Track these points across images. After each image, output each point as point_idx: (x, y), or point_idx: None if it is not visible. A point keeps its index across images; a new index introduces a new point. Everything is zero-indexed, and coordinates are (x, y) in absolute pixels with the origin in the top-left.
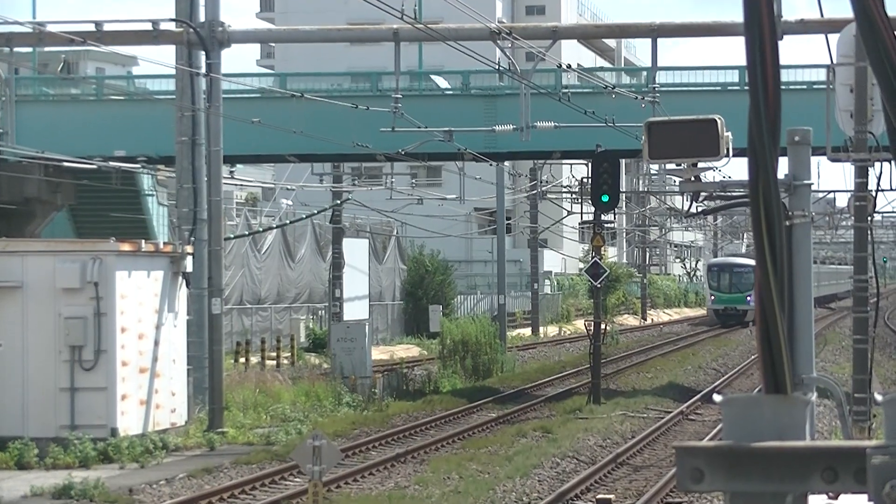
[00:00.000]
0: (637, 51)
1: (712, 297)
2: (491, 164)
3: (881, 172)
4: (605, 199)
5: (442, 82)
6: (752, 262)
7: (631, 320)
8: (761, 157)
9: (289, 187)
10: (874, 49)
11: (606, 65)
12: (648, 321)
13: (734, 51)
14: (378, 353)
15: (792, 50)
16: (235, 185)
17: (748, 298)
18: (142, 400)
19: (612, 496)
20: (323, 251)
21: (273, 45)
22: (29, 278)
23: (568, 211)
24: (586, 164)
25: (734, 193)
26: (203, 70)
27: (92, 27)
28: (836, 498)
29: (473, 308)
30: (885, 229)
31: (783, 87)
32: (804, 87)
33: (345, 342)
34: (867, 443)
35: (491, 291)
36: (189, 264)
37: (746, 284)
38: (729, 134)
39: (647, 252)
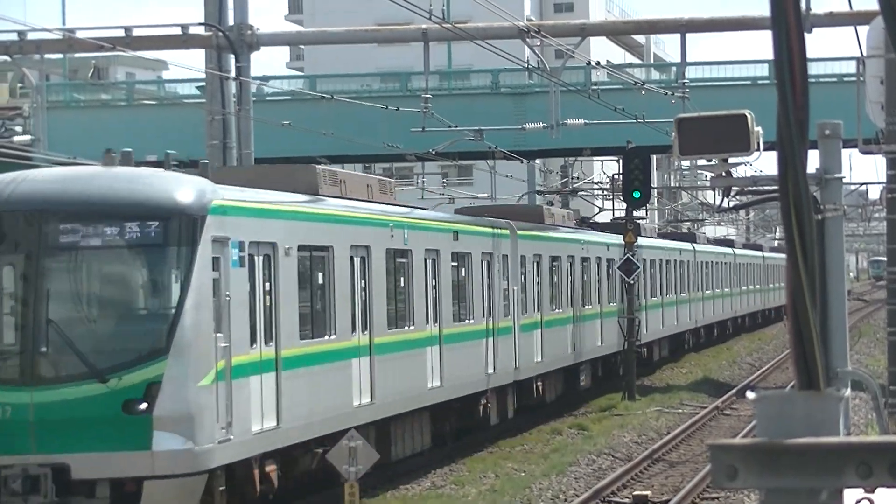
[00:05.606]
0: (666, 46)
1: None
2: (522, 162)
3: None
4: (636, 195)
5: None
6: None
7: None
8: (790, 151)
9: None
10: None
11: (635, 61)
12: None
13: (764, 44)
14: None
15: (822, 42)
16: None
17: None
18: None
19: (648, 493)
20: None
21: (302, 47)
22: None
23: (599, 208)
24: (617, 161)
25: (765, 188)
26: (233, 73)
27: (121, 33)
28: (871, 492)
29: None
30: None
31: (813, 80)
32: (834, 79)
33: None
34: None
35: None
36: None
37: None
38: (759, 129)
39: None
